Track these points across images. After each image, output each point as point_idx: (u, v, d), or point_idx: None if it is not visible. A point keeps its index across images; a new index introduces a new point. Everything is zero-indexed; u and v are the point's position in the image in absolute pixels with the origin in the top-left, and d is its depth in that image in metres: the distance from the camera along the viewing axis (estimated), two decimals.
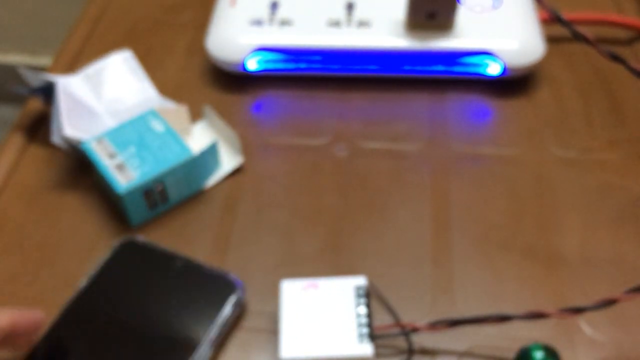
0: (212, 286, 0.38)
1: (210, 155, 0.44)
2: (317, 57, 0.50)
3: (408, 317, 0.38)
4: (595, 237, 0.42)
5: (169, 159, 0.42)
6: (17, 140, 0.49)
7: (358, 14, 0.50)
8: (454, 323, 0.36)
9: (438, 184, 0.45)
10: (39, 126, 0.50)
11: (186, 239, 0.43)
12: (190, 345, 0.36)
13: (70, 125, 0.44)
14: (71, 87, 0.47)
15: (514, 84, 0.51)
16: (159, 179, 0.42)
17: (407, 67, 0.50)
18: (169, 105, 0.49)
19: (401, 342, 0.37)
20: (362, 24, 0.50)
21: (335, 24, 0.50)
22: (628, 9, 0.57)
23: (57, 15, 1.24)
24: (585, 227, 0.42)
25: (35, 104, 0.51)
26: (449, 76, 0.51)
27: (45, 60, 1.31)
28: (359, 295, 0.37)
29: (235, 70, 0.51)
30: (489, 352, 0.37)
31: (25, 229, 0.43)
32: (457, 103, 0.50)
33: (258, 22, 0.50)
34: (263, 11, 0.51)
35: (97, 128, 0.46)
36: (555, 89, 0.51)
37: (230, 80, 0.52)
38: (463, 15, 0.50)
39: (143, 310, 0.37)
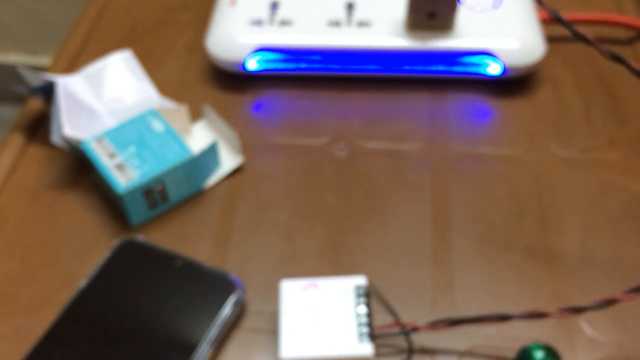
0: (212, 286, 0.38)
1: (210, 155, 0.44)
2: (317, 57, 0.50)
3: (408, 317, 0.38)
4: (595, 237, 0.42)
5: (169, 159, 0.42)
6: (17, 140, 0.49)
7: (358, 14, 0.50)
8: (454, 323, 0.36)
9: (438, 184, 0.45)
10: (39, 126, 0.50)
11: (186, 239, 0.43)
12: (190, 345, 0.36)
13: (70, 125, 0.44)
14: (71, 86, 0.47)
15: (514, 84, 0.51)
16: (159, 179, 0.42)
17: (407, 67, 0.50)
18: (169, 105, 0.49)
19: (401, 342, 0.37)
20: (362, 24, 0.50)
21: (335, 24, 0.50)
22: (628, 9, 0.57)
23: (57, 15, 1.24)
24: (586, 227, 0.42)
25: (35, 104, 0.51)
26: (449, 76, 0.51)
27: (45, 60, 1.31)
28: (359, 295, 0.37)
29: (235, 70, 0.51)
30: (489, 352, 0.37)
31: (25, 229, 0.43)
32: (457, 103, 0.50)
33: (258, 22, 0.50)
34: (263, 11, 0.51)
35: (97, 128, 0.46)
36: (556, 89, 0.51)
37: (230, 80, 0.52)
38: (463, 15, 0.50)
39: (143, 310, 0.37)
